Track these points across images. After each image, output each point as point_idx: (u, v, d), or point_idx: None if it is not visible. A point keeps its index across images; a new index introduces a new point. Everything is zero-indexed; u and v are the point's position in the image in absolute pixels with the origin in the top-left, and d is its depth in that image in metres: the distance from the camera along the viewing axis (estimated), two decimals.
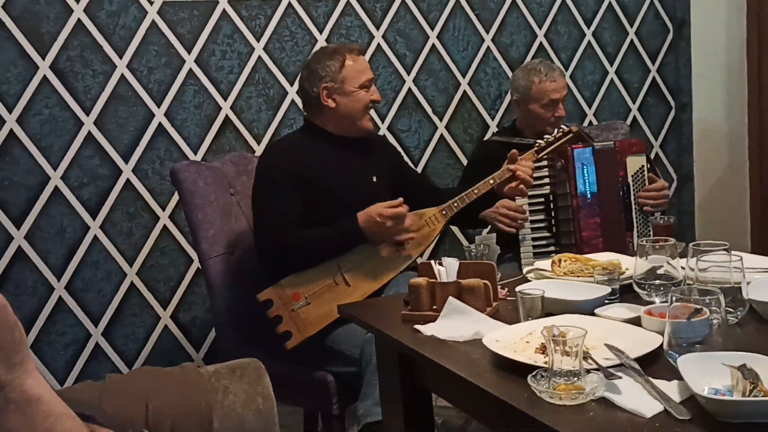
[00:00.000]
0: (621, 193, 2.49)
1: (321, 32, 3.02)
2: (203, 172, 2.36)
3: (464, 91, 3.27)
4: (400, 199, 2.14)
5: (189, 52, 2.83)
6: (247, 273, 2.31)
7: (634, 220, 2.50)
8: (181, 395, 1.41)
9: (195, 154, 2.87)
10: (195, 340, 2.91)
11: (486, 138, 3.15)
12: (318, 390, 2.14)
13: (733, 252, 1.49)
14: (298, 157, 2.22)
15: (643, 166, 2.51)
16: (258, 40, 2.93)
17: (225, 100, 2.90)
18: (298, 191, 2.18)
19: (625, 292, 1.67)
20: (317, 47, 2.92)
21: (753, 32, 3.62)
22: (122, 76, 2.74)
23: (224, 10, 2.87)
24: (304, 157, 2.22)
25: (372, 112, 2.36)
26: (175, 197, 2.77)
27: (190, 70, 2.84)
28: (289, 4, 2.97)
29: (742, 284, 1.44)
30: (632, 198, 2.50)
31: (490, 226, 2.61)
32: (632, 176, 2.49)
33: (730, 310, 1.42)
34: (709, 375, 1.16)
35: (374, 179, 2.31)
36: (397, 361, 1.64)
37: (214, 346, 2.91)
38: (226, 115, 2.91)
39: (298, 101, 2.70)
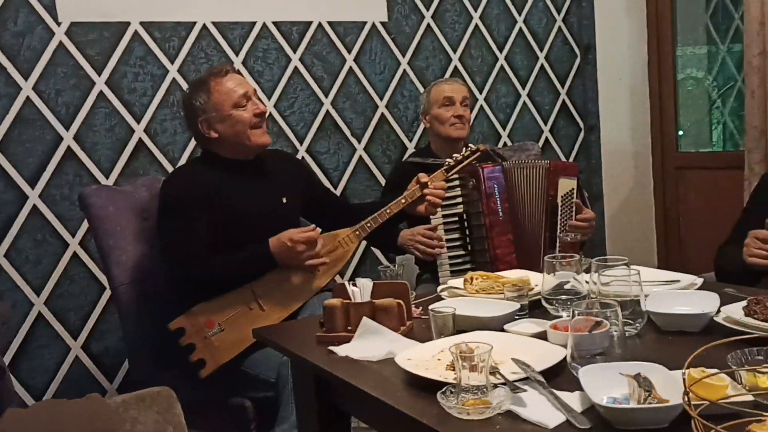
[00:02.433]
0: (547, 212, 2.55)
1: (237, 55, 3.01)
2: (114, 197, 2.30)
3: (382, 114, 3.32)
4: (313, 226, 2.14)
5: (99, 74, 2.77)
6: (160, 299, 2.25)
7: (558, 239, 2.55)
8: (86, 428, 1.36)
9: (107, 178, 2.79)
10: (108, 370, 2.81)
11: (403, 160, 3.20)
12: (236, 416, 2.11)
13: (632, 266, 1.55)
14: (201, 181, 2.19)
15: (573, 189, 2.57)
16: (172, 62, 2.89)
17: (138, 122, 2.84)
18: (203, 216, 2.14)
19: (535, 308, 1.72)
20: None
21: (654, 57, 3.83)
22: (28, 98, 2.65)
23: (136, 32, 2.82)
24: (208, 183, 2.19)
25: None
26: (86, 223, 2.68)
27: (101, 93, 2.77)
28: (204, 26, 2.94)
29: (641, 297, 1.50)
30: (559, 218, 2.56)
31: None
32: (562, 197, 2.56)
33: (630, 321, 1.48)
34: (608, 385, 1.20)
35: (284, 200, 2.30)
36: (313, 383, 1.64)
37: (128, 376, 2.82)
38: (140, 138, 2.85)
39: None
